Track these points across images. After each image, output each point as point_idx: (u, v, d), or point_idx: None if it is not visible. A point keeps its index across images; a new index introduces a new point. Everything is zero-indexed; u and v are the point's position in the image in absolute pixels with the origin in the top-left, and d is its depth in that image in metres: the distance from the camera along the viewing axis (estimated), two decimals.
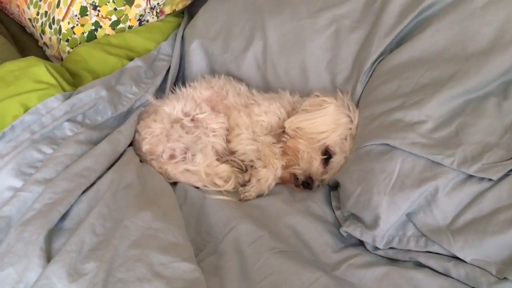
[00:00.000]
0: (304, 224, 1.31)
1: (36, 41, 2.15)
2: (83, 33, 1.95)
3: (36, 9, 2.02)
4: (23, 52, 1.97)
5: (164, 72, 1.80)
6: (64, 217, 1.15)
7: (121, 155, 1.43)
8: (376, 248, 1.25)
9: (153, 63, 1.81)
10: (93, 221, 1.12)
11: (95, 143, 1.38)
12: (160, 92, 1.76)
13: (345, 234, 1.30)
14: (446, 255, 1.17)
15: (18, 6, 2.10)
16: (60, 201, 1.15)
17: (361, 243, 1.29)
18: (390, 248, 1.23)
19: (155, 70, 1.78)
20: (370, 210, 1.23)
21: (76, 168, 1.25)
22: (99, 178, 1.27)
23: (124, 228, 1.10)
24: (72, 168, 1.25)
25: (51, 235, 1.11)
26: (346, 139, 1.48)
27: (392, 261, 1.23)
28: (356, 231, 1.26)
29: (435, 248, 1.17)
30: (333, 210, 1.40)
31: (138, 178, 1.32)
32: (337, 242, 1.30)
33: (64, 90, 1.50)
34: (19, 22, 2.25)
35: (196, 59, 1.89)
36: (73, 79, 1.65)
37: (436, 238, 1.17)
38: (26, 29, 2.21)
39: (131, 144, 1.55)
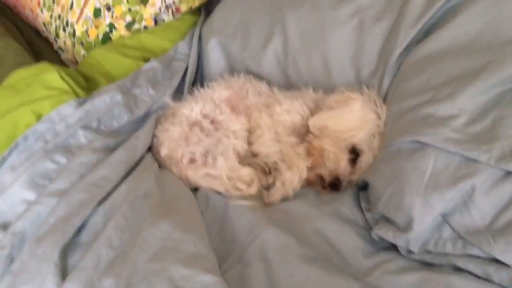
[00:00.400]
0: (332, 228, 1.26)
1: (52, 45, 2.15)
2: (97, 35, 1.94)
3: (50, 12, 2.01)
4: (38, 57, 1.96)
5: (181, 73, 1.77)
6: (79, 230, 1.12)
7: (139, 161, 1.39)
8: (411, 252, 1.19)
9: (170, 63, 1.78)
10: (110, 234, 1.09)
11: (112, 150, 1.35)
12: (178, 94, 1.73)
13: (376, 238, 1.25)
14: (486, 258, 1.10)
15: (31, 10, 2.09)
16: (75, 213, 1.12)
17: (394, 247, 1.23)
18: (426, 251, 1.17)
19: (172, 71, 1.75)
20: (403, 212, 1.18)
21: (91, 178, 1.22)
22: (115, 187, 1.24)
23: (143, 240, 1.07)
24: (87, 178, 1.22)
25: (66, 250, 1.08)
26: (374, 136, 1.43)
27: (428, 265, 1.17)
28: (389, 234, 1.21)
29: (475, 251, 1.11)
30: (363, 212, 1.35)
31: (157, 185, 1.28)
32: (368, 246, 1.25)
33: (77, 96, 1.47)
34: (33, 27, 2.23)
35: (215, 58, 1.86)
36: (87, 84, 1.62)
37: (474, 240, 1.10)
38: (41, 33, 2.21)
39: (150, 150, 1.52)
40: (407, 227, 1.17)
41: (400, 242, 1.19)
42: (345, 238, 1.25)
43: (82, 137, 1.35)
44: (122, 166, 1.30)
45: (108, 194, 1.22)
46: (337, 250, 1.22)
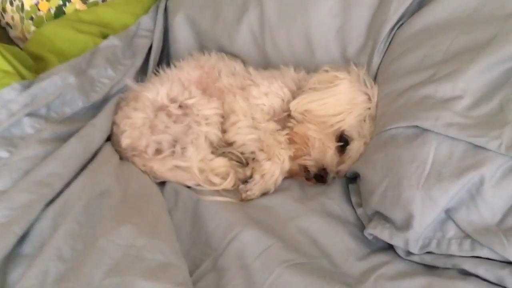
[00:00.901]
0: (320, 227, 1.19)
1: None
2: (49, 9, 1.83)
3: None
4: None
5: (145, 51, 1.66)
6: (22, 239, 0.99)
7: (96, 153, 1.27)
8: (410, 254, 1.12)
9: (132, 40, 1.68)
10: (60, 244, 0.95)
11: (63, 141, 1.21)
12: (141, 75, 1.63)
13: (370, 238, 1.18)
14: (499, 261, 1.02)
15: None
16: (17, 219, 0.98)
17: (390, 247, 1.16)
18: (427, 253, 1.10)
19: (135, 49, 1.65)
20: (401, 208, 1.10)
21: (37, 175, 1.08)
22: (67, 185, 1.11)
23: (99, 250, 0.95)
24: (32, 175, 1.08)
25: (6, 264, 0.95)
26: (364, 121, 1.36)
27: (431, 269, 1.10)
28: (384, 234, 1.13)
29: (484, 253, 1.03)
30: (353, 208, 1.28)
31: (117, 182, 1.17)
32: (361, 247, 1.18)
33: (23, 78, 1.35)
34: None
35: (182, 34, 1.76)
36: (36, 65, 1.50)
37: (484, 239, 1.03)
38: None
39: (109, 139, 1.42)
40: (406, 225, 1.09)
41: (397, 242, 1.12)
42: (334, 239, 1.18)
43: (27, 126, 1.22)
44: (76, 160, 1.17)
45: (58, 194, 1.09)
46: (326, 252, 1.15)
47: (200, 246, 1.16)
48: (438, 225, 1.09)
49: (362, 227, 1.22)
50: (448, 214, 1.08)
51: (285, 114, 1.46)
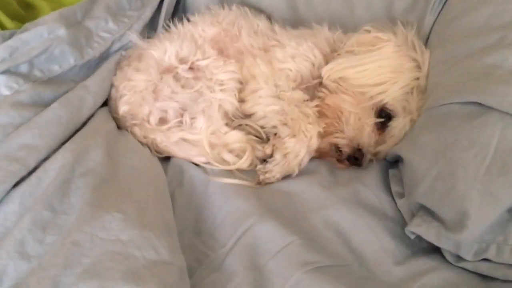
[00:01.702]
0: (352, 221, 1.08)
1: None
2: None
3: None
4: None
5: (156, 1, 1.51)
6: None
7: (87, 122, 1.16)
8: (461, 259, 1.01)
9: None
10: (23, 236, 0.82)
11: (47, 106, 1.09)
12: (150, 31, 1.50)
13: (412, 237, 1.06)
14: None
15: None
16: None
17: (437, 250, 1.05)
18: (483, 260, 1.00)
19: None
20: (453, 203, 0.99)
21: (6, 148, 0.95)
22: (44, 161, 0.98)
23: (74, 245, 0.80)
24: (0, 147, 0.95)
25: None
26: (411, 93, 1.24)
27: (487, 280, 1.00)
28: (431, 234, 1.02)
29: None
30: (393, 199, 1.16)
31: (108, 157, 1.04)
32: (401, 248, 1.06)
33: (2, 28, 1.26)
34: None
35: None
36: (25, 13, 1.39)
37: None
38: None
39: (106, 104, 1.32)
40: (459, 225, 0.97)
41: (447, 245, 1.01)
42: (369, 236, 1.07)
43: (2, 86, 1.09)
44: (58, 129, 1.04)
45: (31, 172, 0.96)
46: (358, 254, 1.05)
47: (205, 238, 1.06)
48: (499, 227, 0.98)
49: (403, 223, 1.12)
50: None
51: (316, 81, 1.35)
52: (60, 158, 0.98)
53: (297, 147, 1.20)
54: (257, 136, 1.33)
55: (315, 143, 1.22)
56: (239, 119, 1.34)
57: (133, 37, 1.40)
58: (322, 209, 1.10)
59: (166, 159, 1.25)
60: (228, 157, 1.24)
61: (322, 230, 1.07)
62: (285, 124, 1.25)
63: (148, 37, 1.45)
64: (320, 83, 1.34)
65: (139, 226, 0.88)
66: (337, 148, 1.26)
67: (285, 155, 1.20)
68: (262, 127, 1.32)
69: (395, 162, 1.24)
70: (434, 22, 1.36)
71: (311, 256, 0.98)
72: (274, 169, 1.20)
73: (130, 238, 0.85)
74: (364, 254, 1.04)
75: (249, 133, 1.32)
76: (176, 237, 0.96)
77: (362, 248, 1.05)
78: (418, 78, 1.25)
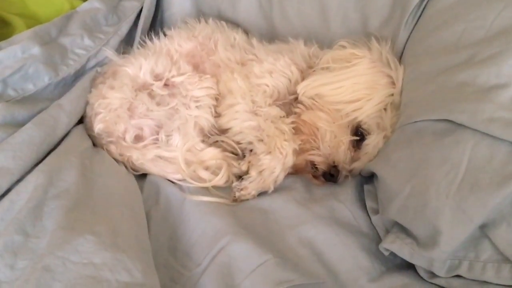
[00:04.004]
0: (327, 238, 1.09)
1: None
2: None
3: None
4: None
5: (133, 16, 1.55)
6: None
7: (61, 141, 1.17)
8: (434, 275, 1.03)
9: (118, 3, 1.55)
10: None
11: (21, 126, 1.10)
12: (126, 46, 1.52)
13: (386, 253, 1.07)
14: None
15: None
16: None
17: (410, 266, 1.07)
18: (456, 276, 1.01)
19: (121, 14, 1.53)
20: (426, 220, 1.00)
21: None
22: (16, 183, 0.99)
23: (46, 270, 0.81)
24: None
25: None
26: (385, 110, 1.25)
27: None
28: (404, 251, 1.03)
29: None
30: (368, 214, 1.18)
31: (83, 177, 1.04)
32: (375, 264, 1.07)
33: None
34: None
35: None
36: (0, 31, 1.39)
37: None
38: None
39: (82, 122, 1.32)
40: (431, 241, 0.99)
41: (420, 262, 1.03)
42: (343, 253, 1.08)
43: None
44: (32, 151, 1.04)
45: (4, 195, 0.97)
46: (333, 271, 1.05)
47: (180, 257, 1.06)
48: (470, 244, 0.99)
49: (377, 239, 1.13)
50: (484, 231, 0.98)
51: (292, 97, 1.36)
52: (33, 180, 0.99)
53: (272, 164, 1.21)
54: (233, 153, 1.33)
55: (290, 160, 1.23)
56: (215, 136, 1.34)
57: (109, 53, 1.40)
58: (297, 226, 1.11)
59: (142, 176, 1.25)
60: (204, 174, 1.24)
61: (297, 248, 1.07)
62: (261, 140, 1.25)
63: (124, 53, 1.47)
64: (296, 99, 1.34)
65: (112, 247, 0.89)
66: (313, 165, 1.27)
67: (260, 172, 1.21)
68: (238, 143, 1.32)
69: (370, 177, 1.24)
70: (408, 38, 1.36)
71: (286, 274, 0.98)
72: (250, 186, 1.20)
73: (103, 260, 0.86)
74: (338, 272, 1.04)
75: (225, 149, 1.32)
76: (150, 257, 0.97)
77: (337, 265, 1.05)
78: (392, 94, 1.26)
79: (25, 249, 0.87)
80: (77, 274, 0.83)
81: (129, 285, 0.85)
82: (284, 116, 1.29)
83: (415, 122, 1.12)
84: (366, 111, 1.25)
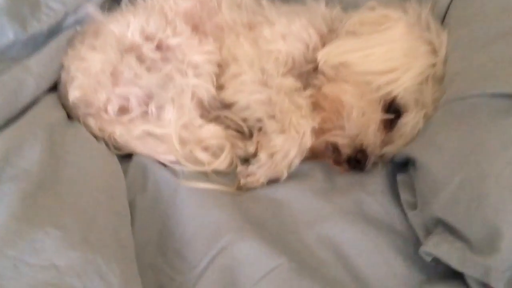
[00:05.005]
0: (353, 238, 0.95)
1: None
2: None
3: None
4: None
5: None
6: None
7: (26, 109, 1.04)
8: None
9: None
10: None
11: None
12: (113, 4, 1.37)
13: (428, 259, 0.91)
14: None
15: None
16: None
17: (458, 276, 0.90)
18: None
19: None
20: (482, 219, 0.86)
21: None
22: None
23: None
24: None
25: None
26: (426, 83, 1.11)
27: None
28: (452, 256, 0.88)
29: None
30: (403, 210, 1.02)
31: (50, 154, 0.90)
32: (413, 272, 0.93)
33: None
34: None
35: None
36: None
37: None
38: None
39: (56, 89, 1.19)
40: (489, 246, 0.85)
41: (472, 271, 0.86)
42: (374, 257, 0.95)
43: None
44: None
45: None
46: (361, 278, 0.92)
47: (171, 258, 0.92)
48: None
49: (415, 240, 0.97)
50: None
51: (310, 67, 1.22)
52: None
53: (286, 145, 1.07)
54: (238, 131, 1.20)
55: (308, 141, 1.09)
56: (216, 110, 1.21)
57: (91, 9, 1.27)
58: (316, 222, 0.97)
59: (126, 158, 1.11)
60: (203, 156, 1.11)
61: (317, 250, 0.93)
62: (273, 117, 1.12)
63: (110, 10, 1.32)
64: (315, 69, 1.20)
65: (82, 245, 0.75)
66: (335, 148, 1.13)
67: (271, 155, 1.07)
68: (244, 120, 1.19)
69: (404, 165, 1.09)
70: None
71: (303, 282, 0.85)
72: (258, 172, 1.07)
73: (68, 262, 0.72)
74: (368, 279, 0.91)
75: (228, 127, 1.19)
76: (132, 258, 0.83)
77: (366, 272, 0.91)
78: (434, 65, 1.12)
79: None
80: (33, 280, 0.70)
81: None
82: (300, 89, 1.16)
83: (466, 97, 1.00)
84: (402, 84, 1.11)
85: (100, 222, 0.80)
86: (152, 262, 0.91)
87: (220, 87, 1.20)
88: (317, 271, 0.89)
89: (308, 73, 1.22)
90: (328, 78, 1.17)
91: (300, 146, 1.08)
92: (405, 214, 1.01)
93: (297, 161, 1.09)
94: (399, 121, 1.12)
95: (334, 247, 0.94)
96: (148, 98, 1.17)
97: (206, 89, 1.17)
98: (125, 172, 1.04)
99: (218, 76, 1.20)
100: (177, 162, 1.10)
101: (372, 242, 0.94)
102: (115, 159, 1.05)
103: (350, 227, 0.96)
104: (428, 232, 0.95)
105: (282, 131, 1.09)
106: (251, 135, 1.18)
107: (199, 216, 0.97)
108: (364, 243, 0.94)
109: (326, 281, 0.87)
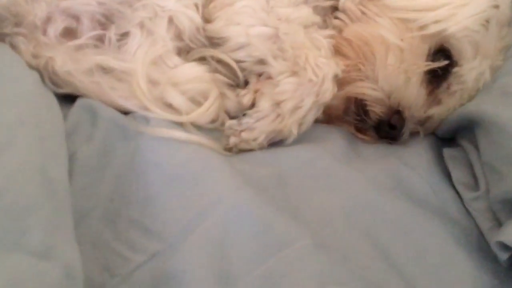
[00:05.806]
0: (396, 222, 0.70)
1: None
2: None
3: None
4: None
5: None
6: None
7: None
8: None
9: None
10: None
11: None
12: None
13: (504, 257, 0.66)
14: None
15: None
16: None
17: None
18: None
19: None
20: None
21: None
22: None
23: None
24: None
25: None
26: (488, 24, 0.87)
27: None
28: None
29: None
30: (456, 190, 0.78)
31: None
32: (482, 273, 0.68)
33: None
34: None
35: None
36: None
37: None
38: None
39: None
40: None
41: None
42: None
43: None
44: None
45: None
46: (408, 276, 0.67)
47: (125, 229, 0.65)
48: None
49: (475, 230, 0.73)
50: None
51: (328, 3, 0.92)
52: None
53: (298, 93, 0.78)
54: (228, 75, 0.88)
55: (329, 89, 0.78)
56: (201, 48, 0.89)
57: None
58: (343, 191, 0.71)
59: (68, 99, 0.78)
60: (178, 100, 0.80)
61: (346, 233, 0.67)
62: (280, 56, 0.81)
63: None
64: (336, 8, 0.91)
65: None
66: (362, 107, 0.83)
67: (277, 104, 0.78)
68: (239, 62, 0.86)
69: (450, 140, 0.85)
70: None
71: (335, 270, 0.60)
72: (258, 126, 0.78)
73: None
74: (417, 279, 0.65)
75: (215, 70, 0.87)
76: (69, 222, 0.57)
77: (416, 269, 0.66)
78: (497, 6, 0.86)
79: None
80: None
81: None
82: (318, 25, 0.85)
83: None
84: (457, 23, 0.84)
85: (27, 173, 0.53)
86: (95, 235, 0.63)
87: (207, 17, 0.88)
88: (348, 260, 0.62)
89: (324, 11, 0.92)
90: (352, 18, 0.89)
91: (317, 94, 0.78)
92: (458, 196, 0.77)
93: (311, 117, 0.80)
94: (451, 73, 0.85)
95: (368, 232, 0.67)
96: (106, 20, 0.86)
97: (188, 17, 0.86)
98: (64, 117, 0.72)
99: (206, 1, 0.88)
100: (141, 109, 0.79)
101: (422, 228, 0.69)
102: (51, 95, 0.73)
103: (391, 205, 0.70)
104: (497, 221, 0.72)
105: (294, 72, 0.79)
106: (246, 83, 0.87)
107: (171, 175, 0.69)
108: (411, 229, 0.69)
109: (361, 272, 0.61)
